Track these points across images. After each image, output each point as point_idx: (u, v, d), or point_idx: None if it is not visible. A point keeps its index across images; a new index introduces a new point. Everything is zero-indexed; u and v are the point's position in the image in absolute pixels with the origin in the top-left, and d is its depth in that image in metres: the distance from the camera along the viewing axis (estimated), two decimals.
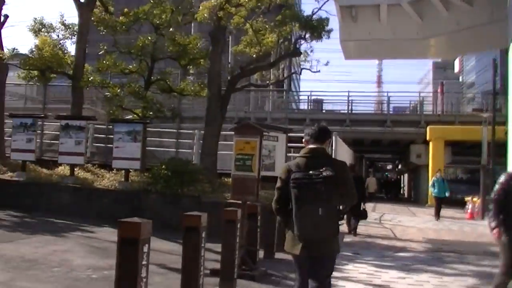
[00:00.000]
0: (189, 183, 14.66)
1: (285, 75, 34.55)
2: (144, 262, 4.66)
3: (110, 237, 10.71)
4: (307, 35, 17.41)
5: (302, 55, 18.50)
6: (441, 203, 24.75)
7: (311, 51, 18.51)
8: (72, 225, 13.43)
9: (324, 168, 5.30)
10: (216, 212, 9.80)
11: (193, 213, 6.35)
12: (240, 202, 9.73)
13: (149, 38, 17.67)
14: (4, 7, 19.77)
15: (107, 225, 13.22)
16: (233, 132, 10.31)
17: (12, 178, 16.29)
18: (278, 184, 5.68)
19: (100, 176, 16.70)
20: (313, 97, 43.77)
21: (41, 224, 13.32)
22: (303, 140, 5.99)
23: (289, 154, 16.46)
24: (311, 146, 5.72)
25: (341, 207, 5.74)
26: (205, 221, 6.34)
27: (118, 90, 17.46)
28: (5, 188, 15.89)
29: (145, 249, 4.67)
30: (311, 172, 5.33)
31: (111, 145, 16.54)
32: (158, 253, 10.33)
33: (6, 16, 19.96)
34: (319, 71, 18.55)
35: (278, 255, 11.77)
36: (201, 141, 18.17)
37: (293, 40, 19.09)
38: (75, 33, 19.40)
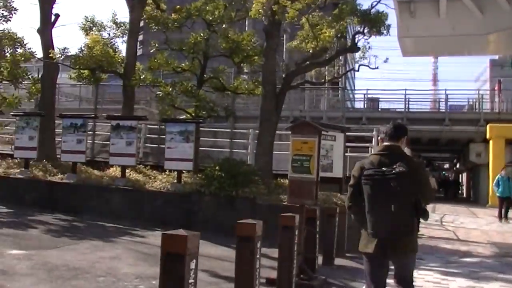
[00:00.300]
0: (243, 184, 14.07)
1: (340, 73, 33.71)
2: (191, 280, 4.12)
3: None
4: (366, 30, 16.66)
5: (360, 51, 17.69)
6: (507, 203, 23.55)
7: (369, 47, 17.66)
8: (122, 229, 12.98)
9: (397, 164, 5.23)
10: (272, 215, 9.50)
11: (247, 221, 5.71)
12: (297, 205, 9.11)
13: (202, 34, 17.19)
14: (54, 5, 19.74)
15: (159, 229, 12.71)
16: (289, 132, 9.71)
17: (62, 180, 16.01)
18: (351, 181, 5.62)
19: (152, 177, 16.28)
20: (368, 96, 42.97)
21: (90, 228, 12.92)
22: (379, 138, 5.93)
23: (347, 154, 15.79)
24: (386, 143, 5.64)
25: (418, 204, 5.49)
26: (260, 229, 5.72)
27: (170, 89, 16.98)
28: (55, 190, 15.70)
29: (193, 265, 4.12)
30: (383, 168, 5.28)
31: (164, 146, 16.04)
32: (211, 260, 9.83)
33: (57, 15, 19.90)
34: (377, 67, 17.79)
35: (338, 261, 11.28)
36: (256, 141, 17.58)
37: (348, 36, 18.40)
38: (126, 31, 19.12)
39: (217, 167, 14.36)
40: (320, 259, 10.61)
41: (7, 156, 18.67)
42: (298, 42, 17.98)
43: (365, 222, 5.36)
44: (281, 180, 15.18)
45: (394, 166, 5.19)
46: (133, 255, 9.92)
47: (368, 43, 17.74)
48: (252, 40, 17.66)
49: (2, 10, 20.43)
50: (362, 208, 5.40)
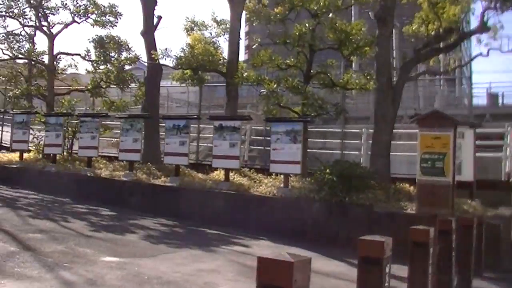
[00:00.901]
0: (358, 189, 12.58)
1: (458, 64, 31.24)
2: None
3: (267, 253, 8.85)
4: (497, 5, 14.58)
5: (491, 31, 15.51)
6: None
7: (501, 26, 15.50)
8: (224, 236, 11.94)
9: None
10: (392, 225, 8.85)
11: (373, 237, 4.29)
12: (426, 215, 7.59)
13: (307, 25, 15.89)
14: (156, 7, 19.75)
15: (264, 238, 11.60)
16: (407, 130, 8.27)
17: (165, 183, 15.56)
18: None
19: (257, 181, 15.31)
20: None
21: (191, 235, 12.05)
22: None
23: (478, 154, 13.85)
24: None
25: None
26: (389, 248, 4.32)
27: (275, 86, 15.80)
28: (157, 193, 15.28)
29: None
30: None
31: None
32: (322, 277, 8.50)
33: (159, 17, 20.08)
34: (511, 50, 15.68)
35: (476, 284, 9.24)
36: (370, 142, 16.05)
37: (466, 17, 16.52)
38: (227, 29, 18.48)
39: (328, 170, 12.95)
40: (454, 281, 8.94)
41: (115, 159, 18.76)
42: (416, 26, 16.21)
43: None
44: (401, 184, 13.82)
45: None
46: (234, 268, 8.77)
47: (500, 21, 15.58)
48: (363, 29, 16.11)
49: (109, 16, 20.81)
50: None
